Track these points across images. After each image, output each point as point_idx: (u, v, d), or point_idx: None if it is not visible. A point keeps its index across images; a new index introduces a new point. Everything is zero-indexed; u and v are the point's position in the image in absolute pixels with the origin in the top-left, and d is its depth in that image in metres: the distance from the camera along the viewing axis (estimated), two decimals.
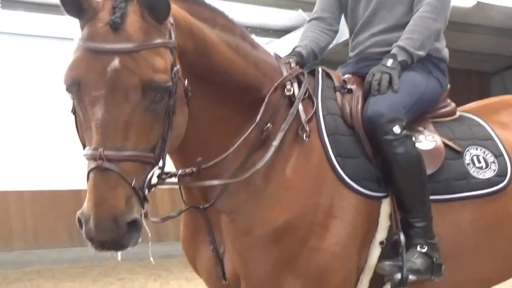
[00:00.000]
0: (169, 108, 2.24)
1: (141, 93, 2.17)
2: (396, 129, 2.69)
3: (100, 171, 2.11)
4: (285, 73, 2.75)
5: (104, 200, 2.09)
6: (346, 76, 2.99)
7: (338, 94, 2.86)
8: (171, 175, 2.40)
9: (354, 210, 2.64)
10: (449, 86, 3.20)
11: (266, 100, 2.62)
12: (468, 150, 3.02)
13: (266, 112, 2.63)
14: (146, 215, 2.23)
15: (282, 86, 2.71)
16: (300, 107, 2.70)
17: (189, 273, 9.48)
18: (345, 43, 3.34)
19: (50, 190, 11.65)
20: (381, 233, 2.71)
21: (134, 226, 2.13)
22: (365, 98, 2.85)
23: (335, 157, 2.67)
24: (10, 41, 13.33)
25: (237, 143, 2.56)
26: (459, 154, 2.98)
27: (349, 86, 2.89)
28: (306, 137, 2.64)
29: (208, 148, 2.56)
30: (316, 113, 2.74)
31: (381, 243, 2.70)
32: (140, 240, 2.19)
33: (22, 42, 13.48)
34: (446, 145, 2.95)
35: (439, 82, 3.09)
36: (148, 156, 2.20)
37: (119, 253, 2.21)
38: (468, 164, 2.97)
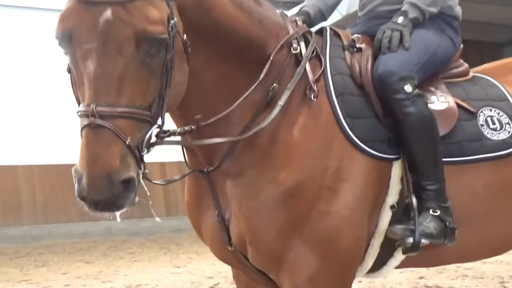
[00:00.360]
0: (166, 63, 2.15)
1: (135, 46, 2.08)
2: (408, 88, 2.60)
3: (92, 128, 2.04)
4: (291, 31, 2.65)
5: (97, 157, 2.01)
6: (355, 35, 2.88)
7: (347, 53, 2.76)
8: (170, 133, 2.30)
9: (364, 172, 2.56)
10: (462, 46, 3.09)
11: (271, 58, 2.52)
12: (482, 111, 2.91)
13: (272, 72, 2.54)
14: (145, 176, 2.15)
15: (288, 44, 2.61)
16: (308, 66, 2.61)
17: (199, 247, 9.52)
18: (356, 14, 3.23)
19: (59, 164, 11.61)
20: (392, 197, 2.62)
21: (129, 185, 2.05)
22: (375, 57, 2.75)
23: (344, 118, 2.58)
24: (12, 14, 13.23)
25: (239, 101, 2.46)
26: (473, 115, 2.88)
27: (358, 45, 2.79)
28: (314, 97, 2.55)
29: (212, 108, 2.47)
30: (324, 72, 2.64)
31: (392, 207, 2.62)
32: (137, 200, 2.12)
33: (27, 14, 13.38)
34: (459, 105, 2.85)
35: (452, 40, 2.98)
36: (144, 113, 2.12)
37: (117, 214, 2.14)
38: (482, 125, 2.87)
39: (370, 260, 2.67)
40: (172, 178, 2.58)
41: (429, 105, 2.72)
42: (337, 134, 2.56)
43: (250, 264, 2.65)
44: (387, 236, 2.62)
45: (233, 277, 3.00)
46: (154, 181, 2.33)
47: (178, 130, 2.38)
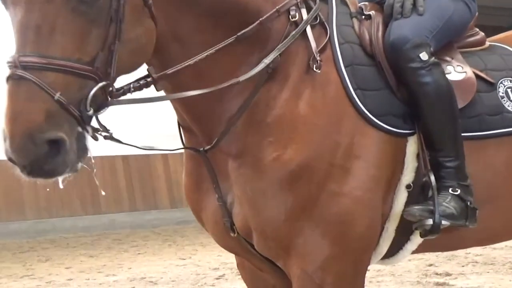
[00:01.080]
0: (111, 13, 1.96)
1: None
2: (423, 56, 2.41)
3: (14, 80, 1.86)
4: None
5: (19, 113, 1.83)
6: (362, 3, 2.69)
7: (355, 21, 2.56)
8: (125, 91, 2.09)
9: (377, 149, 2.37)
10: (477, 13, 2.88)
11: (259, 21, 2.33)
12: (501, 82, 2.71)
13: (271, 41, 2.35)
14: (111, 136, 2.02)
15: (287, 11, 2.41)
16: (310, 34, 2.41)
17: (204, 239, 9.40)
18: None
19: None
20: (408, 175, 2.44)
21: (58, 147, 1.86)
22: (386, 24, 2.56)
23: (355, 90, 2.39)
24: None
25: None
26: (492, 86, 2.68)
27: (367, 12, 2.59)
28: (317, 68, 2.36)
29: (208, 80, 2.29)
30: (330, 41, 2.44)
31: (408, 186, 2.43)
32: (79, 166, 1.93)
33: None
34: (477, 76, 2.65)
35: (468, 6, 2.78)
36: (84, 68, 1.92)
37: (60, 180, 1.93)
38: (502, 97, 2.67)
39: (384, 244, 2.49)
40: (153, 146, 2.37)
41: None
42: (347, 108, 2.37)
43: (256, 252, 2.46)
44: (403, 218, 2.43)
45: (237, 265, 2.81)
46: (126, 143, 2.18)
47: (132, 84, 2.15)
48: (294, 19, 2.40)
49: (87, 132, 1.96)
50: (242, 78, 2.28)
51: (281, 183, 2.29)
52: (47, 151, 1.85)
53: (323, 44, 2.41)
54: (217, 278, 6.88)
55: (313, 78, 2.37)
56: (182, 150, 2.54)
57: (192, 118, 2.38)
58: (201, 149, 2.39)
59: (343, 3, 2.62)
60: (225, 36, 2.29)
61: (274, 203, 2.31)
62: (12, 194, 10.91)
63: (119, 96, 2.08)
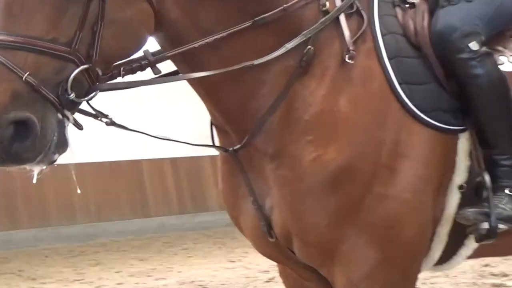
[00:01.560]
0: None
1: None
2: (473, 45, 2.24)
3: None
4: None
5: None
6: None
7: (398, 10, 2.39)
8: (113, 75, 2.01)
9: (426, 147, 2.21)
10: None
11: (283, 7, 2.19)
12: None
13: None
14: (113, 122, 1.99)
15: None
16: (344, 22, 2.25)
17: None
18: None
19: (111, 160, 11.56)
20: (460, 175, 2.27)
21: (26, 129, 1.77)
22: (431, 13, 2.38)
23: (400, 84, 2.22)
24: None
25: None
26: None
27: (410, 0, 2.42)
28: (349, 58, 2.21)
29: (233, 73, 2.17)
30: (372, 32, 2.28)
31: (460, 187, 2.27)
32: (55, 158, 1.83)
33: None
34: None
35: None
36: (58, 48, 1.82)
37: (35, 172, 1.84)
38: None
39: (436, 250, 2.33)
40: (169, 136, 2.25)
41: None
42: (392, 103, 2.21)
43: (297, 259, 2.32)
44: (456, 222, 2.27)
45: (280, 273, 2.67)
46: (132, 129, 2.10)
47: (123, 67, 2.03)
48: (325, 8, 2.25)
49: (67, 118, 1.87)
50: (257, 61, 2.15)
51: (322, 186, 2.16)
52: (12, 133, 1.77)
53: (359, 34, 2.26)
54: (267, 281, 6.78)
55: (354, 72, 2.23)
56: (191, 153, 2.42)
57: (223, 116, 2.26)
58: (231, 148, 2.27)
59: None
60: (253, 27, 2.17)
61: (315, 207, 2.17)
62: (63, 198, 11.00)
63: (107, 80, 1.98)
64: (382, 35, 2.28)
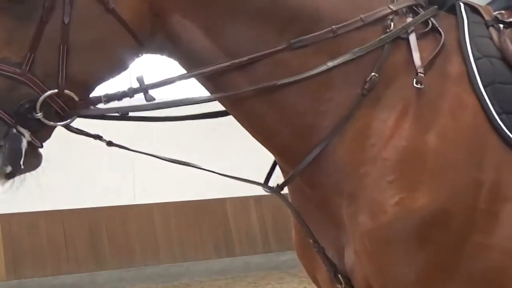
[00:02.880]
0: (43, 11, 1.80)
1: None
2: None
3: None
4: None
5: None
6: (497, 12, 2.23)
7: (492, 31, 2.10)
8: (92, 101, 1.96)
9: None
10: None
11: (351, 36, 2.01)
12: None
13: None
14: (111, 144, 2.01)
15: (380, 20, 2.03)
16: (414, 42, 2.01)
17: None
18: None
19: (193, 200, 11.50)
20: None
21: None
22: None
23: (499, 114, 1.94)
24: None
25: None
26: None
27: (508, 20, 2.13)
28: (417, 83, 1.95)
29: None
30: (463, 55, 2.00)
31: None
32: (7, 170, 1.85)
33: None
34: None
35: None
36: (7, 69, 1.80)
37: None
38: None
39: None
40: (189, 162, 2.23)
41: None
42: (490, 137, 1.93)
43: None
44: None
45: None
46: (132, 149, 2.13)
47: (103, 95, 1.97)
48: (389, 30, 2.03)
49: (20, 133, 1.85)
50: (281, 81, 1.97)
51: (408, 235, 1.89)
52: None
53: (434, 54, 2.01)
54: None
55: (440, 102, 1.97)
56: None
57: (268, 145, 2.10)
58: (274, 186, 2.11)
59: (474, 11, 2.18)
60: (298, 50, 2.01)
61: (401, 260, 1.90)
62: (147, 238, 11.02)
63: (87, 106, 1.93)
64: (475, 59, 2.00)
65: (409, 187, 1.91)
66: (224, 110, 2.15)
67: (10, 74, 1.82)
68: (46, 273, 10.11)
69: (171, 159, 2.21)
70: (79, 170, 10.51)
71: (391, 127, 1.94)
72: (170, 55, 2.06)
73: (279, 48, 1.98)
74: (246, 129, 2.12)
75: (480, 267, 1.87)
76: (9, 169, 1.84)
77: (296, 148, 2.01)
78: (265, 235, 12.03)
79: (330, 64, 1.97)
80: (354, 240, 1.97)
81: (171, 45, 2.01)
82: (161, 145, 8.71)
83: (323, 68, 1.97)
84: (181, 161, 2.22)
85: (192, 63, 2.03)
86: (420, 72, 1.95)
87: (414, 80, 1.95)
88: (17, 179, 1.93)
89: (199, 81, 2.08)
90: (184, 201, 11.71)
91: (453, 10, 2.18)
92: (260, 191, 2.31)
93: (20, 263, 9.71)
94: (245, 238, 11.75)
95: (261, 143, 2.11)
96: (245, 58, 1.96)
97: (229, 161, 8.26)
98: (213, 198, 11.63)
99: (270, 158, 2.21)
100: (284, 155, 2.08)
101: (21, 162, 1.85)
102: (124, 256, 10.91)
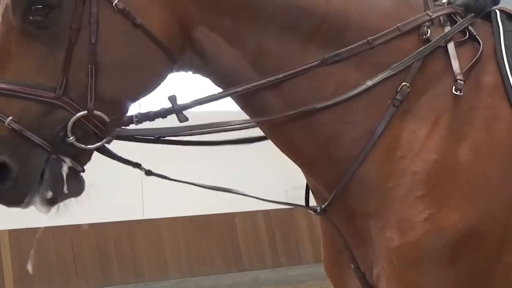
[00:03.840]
0: (71, 34, 1.78)
1: (12, 11, 1.79)
2: None
3: None
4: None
5: None
6: None
7: None
8: (123, 122, 1.90)
9: None
10: None
11: (388, 47, 1.93)
12: None
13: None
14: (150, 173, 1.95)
15: (416, 28, 1.95)
16: (452, 51, 1.93)
17: None
18: None
19: (201, 214, 11.44)
20: None
21: (6, 171, 1.75)
22: None
23: None
24: None
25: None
26: None
27: None
28: (457, 90, 1.88)
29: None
30: (498, 65, 1.93)
31: None
32: (49, 196, 1.81)
33: None
34: None
35: None
36: (42, 94, 1.76)
37: (44, 212, 1.84)
38: None
39: None
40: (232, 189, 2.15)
41: None
42: None
43: None
44: None
45: None
46: (172, 178, 2.06)
47: (135, 114, 1.91)
48: (425, 36, 1.95)
49: (62, 159, 1.82)
50: (319, 105, 1.89)
51: (437, 253, 1.81)
52: None
53: (472, 63, 1.94)
54: None
55: (474, 114, 1.90)
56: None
57: (301, 165, 2.02)
58: (318, 209, 1.98)
59: (510, 19, 2.10)
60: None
61: (430, 280, 1.82)
62: (154, 253, 10.95)
63: (118, 126, 1.88)
64: (511, 69, 1.92)
65: (439, 202, 1.83)
66: (262, 136, 2.08)
67: (47, 99, 1.79)
68: None
69: (208, 185, 2.19)
70: (88, 186, 10.47)
71: (422, 139, 1.87)
72: (200, 71, 2.00)
73: (314, 64, 1.91)
74: (276, 145, 2.05)
75: None
76: (49, 194, 1.81)
77: (332, 169, 1.93)
78: (274, 250, 11.94)
79: (370, 83, 1.89)
80: (381, 257, 1.89)
81: (198, 60, 1.95)
82: (182, 159, 8.74)
83: (363, 87, 1.90)
84: (214, 186, 2.20)
85: (223, 79, 1.96)
86: (459, 79, 1.88)
87: (453, 87, 1.88)
88: (62, 204, 1.90)
89: (233, 99, 2.00)
90: (192, 215, 11.65)
91: (489, 17, 2.11)
92: (268, 205, 2.23)
93: (29, 279, 9.63)
94: (254, 253, 11.66)
95: (291, 159, 2.03)
96: (280, 76, 1.89)
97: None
98: (221, 212, 11.56)
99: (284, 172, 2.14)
100: (312, 170, 2.00)
101: (64, 188, 1.82)
102: (132, 272, 10.84)
